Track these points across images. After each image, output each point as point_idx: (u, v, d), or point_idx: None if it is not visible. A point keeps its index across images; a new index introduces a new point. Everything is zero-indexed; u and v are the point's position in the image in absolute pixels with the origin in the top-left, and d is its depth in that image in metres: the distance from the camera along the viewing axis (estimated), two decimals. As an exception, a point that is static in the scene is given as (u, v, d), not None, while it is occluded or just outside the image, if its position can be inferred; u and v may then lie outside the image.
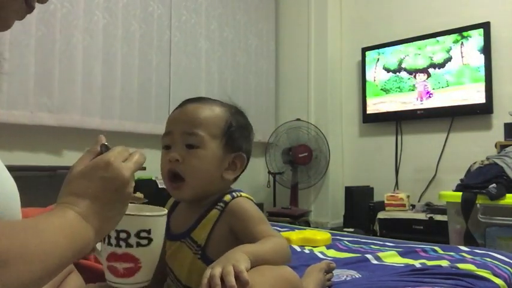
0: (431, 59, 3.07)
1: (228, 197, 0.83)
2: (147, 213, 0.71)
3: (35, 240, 0.47)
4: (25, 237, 0.46)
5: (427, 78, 3.10)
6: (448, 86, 2.99)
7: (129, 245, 0.69)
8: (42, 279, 0.47)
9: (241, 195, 0.85)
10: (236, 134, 0.86)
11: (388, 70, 3.31)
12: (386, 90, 3.34)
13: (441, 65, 3.02)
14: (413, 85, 3.15)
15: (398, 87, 3.26)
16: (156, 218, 0.72)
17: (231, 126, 0.85)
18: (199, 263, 0.81)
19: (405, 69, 3.22)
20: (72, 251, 0.51)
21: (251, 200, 0.85)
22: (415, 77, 3.16)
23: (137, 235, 0.69)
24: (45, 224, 0.50)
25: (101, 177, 0.57)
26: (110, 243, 0.70)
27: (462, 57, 2.93)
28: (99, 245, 0.72)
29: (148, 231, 0.70)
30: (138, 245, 0.69)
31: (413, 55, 3.16)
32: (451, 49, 2.98)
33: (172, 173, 0.82)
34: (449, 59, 2.99)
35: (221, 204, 0.83)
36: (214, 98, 0.93)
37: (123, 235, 0.69)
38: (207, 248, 0.81)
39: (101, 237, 0.57)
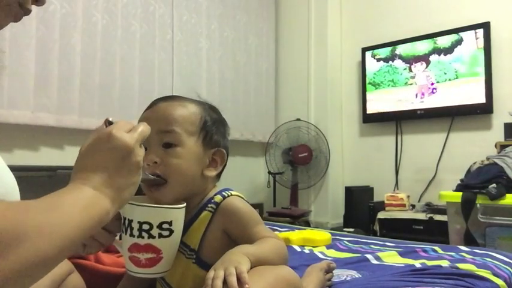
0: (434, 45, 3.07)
1: (218, 198, 0.81)
2: (169, 206, 0.73)
3: (52, 214, 0.48)
4: (41, 211, 0.48)
5: (426, 67, 3.07)
6: (449, 80, 2.98)
7: (151, 236, 0.71)
8: (62, 252, 0.48)
9: (231, 194, 0.82)
10: (212, 129, 0.83)
11: (378, 59, 3.28)
12: (376, 85, 3.33)
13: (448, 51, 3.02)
14: (411, 77, 3.12)
15: (392, 80, 3.25)
16: (177, 210, 0.74)
17: (206, 122, 0.83)
18: (194, 267, 0.80)
19: (400, 57, 3.19)
20: (90, 221, 0.52)
21: (242, 198, 0.83)
22: (410, 69, 3.15)
23: (159, 227, 0.71)
24: (60, 199, 0.52)
25: (106, 149, 0.59)
26: (132, 235, 0.71)
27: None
28: (119, 237, 0.75)
29: (170, 223, 0.72)
30: (160, 236, 0.71)
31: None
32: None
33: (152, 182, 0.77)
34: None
35: (212, 205, 0.81)
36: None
37: (145, 226, 0.71)
38: (201, 251, 0.80)
39: (118, 207, 0.59)
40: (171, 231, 0.73)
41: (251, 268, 0.68)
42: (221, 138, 0.85)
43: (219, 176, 0.86)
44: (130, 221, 0.71)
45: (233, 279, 0.61)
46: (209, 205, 0.81)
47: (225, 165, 0.86)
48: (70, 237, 0.49)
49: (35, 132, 2.35)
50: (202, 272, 0.78)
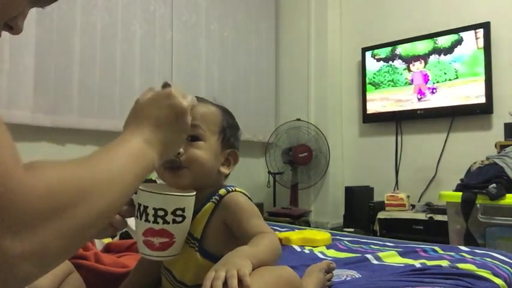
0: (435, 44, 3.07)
1: (223, 191, 0.85)
2: (182, 194, 0.78)
3: (110, 167, 0.53)
4: (100, 167, 0.52)
5: (426, 67, 3.07)
6: (449, 80, 2.99)
7: (166, 222, 0.76)
8: (121, 201, 0.54)
9: (235, 190, 0.87)
10: (229, 132, 0.90)
11: (378, 59, 3.29)
12: (376, 85, 3.33)
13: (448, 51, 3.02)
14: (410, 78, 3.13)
15: (392, 80, 3.25)
16: (189, 198, 0.79)
17: (224, 124, 0.89)
18: (196, 256, 0.82)
19: (400, 57, 3.20)
20: (141, 171, 0.58)
21: (245, 195, 0.87)
22: (409, 68, 3.15)
23: (173, 213, 0.76)
24: (114, 153, 0.56)
25: (165, 105, 0.65)
26: (147, 220, 0.76)
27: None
28: (132, 223, 0.80)
29: (183, 210, 0.77)
30: (174, 222, 0.76)
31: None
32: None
33: (173, 164, 0.83)
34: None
35: (216, 197, 0.85)
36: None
37: (160, 213, 0.76)
38: (204, 241, 0.83)
39: (161, 159, 0.64)
40: (184, 217, 0.78)
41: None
42: (235, 141, 0.92)
43: (228, 175, 0.92)
44: (146, 207, 0.76)
45: (234, 282, 0.61)
46: (214, 197, 0.85)
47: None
48: (125, 189, 0.54)
49: (34, 133, 2.35)
50: (204, 261, 0.82)
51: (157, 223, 0.76)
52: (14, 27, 0.57)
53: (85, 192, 0.47)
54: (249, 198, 0.87)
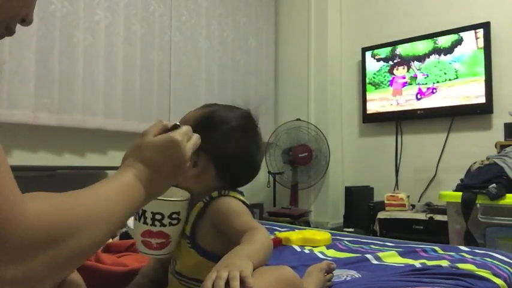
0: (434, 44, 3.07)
1: (215, 193, 0.86)
2: (178, 199, 0.83)
3: (101, 203, 0.55)
4: (92, 203, 0.54)
5: (426, 67, 3.08)
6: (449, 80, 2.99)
7: (162, 225, 0.82)
8: (110, 234, 0.56)
9: (228, 194, 0.86)
10: (207, 145, 0.85)
11: (378, 59, 3.29)
12: (376, 85, 3.33)
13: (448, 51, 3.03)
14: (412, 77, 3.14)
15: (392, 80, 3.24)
16: (184, 202, 0.84)
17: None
18: (191, 251, 0.85)
19: (400, 57, 3.21)
20: (130, 208, 0.60)
21: (239, 199, 0.87)
22: (408, 69, 3.15)
23: (170, 216, 0.82)
24: (108, 186, 0.59)
25: (169, 154, 0.66)
26: (145, 223, 0.82)
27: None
28: (131, 223, 0.85)
29: (178, 213, 0.83)
30: (170, 224, 0.82)
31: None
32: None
33: None
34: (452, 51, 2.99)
35: (207, 198, 0.86)
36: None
37: (158, 216, 0.81)
38: (196, 237, 0.85)
39: (148, 201, 0.66)
40: (179, 220, 0.83)
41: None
42: (214, 142, 0.86)
43: (226, 179, 0.89)
44: (144, 211, 0.81)
45: (236, 284, 0.60)
46: (205, 197, 0.86)
47: (226, 170, 0.88)
48: (116, 220, 0.56)
49: (35, 132, 2.35)
50: (198, 256, 0.84)
51: (155, 226, 0.81)
52: (26, 20, 0.59)
53: (78, 227, 0.50)
54: (243, 202, 0.86)
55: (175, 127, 0.70)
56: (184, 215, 0.85)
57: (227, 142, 0.88)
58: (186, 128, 0.70)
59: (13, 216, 0.42)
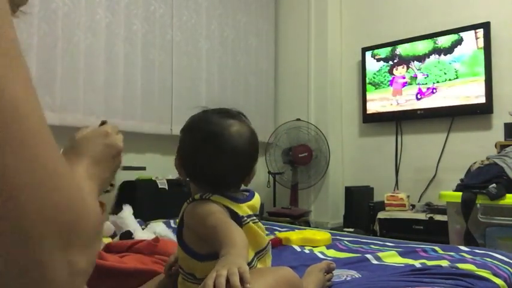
0: (434, 44, 3.07)
1: (197, 196, 0.87)
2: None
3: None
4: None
5: (426, 67, 3.08)
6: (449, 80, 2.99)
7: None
8: None
9: (208, 198, 0.85)
10: (186, 159, 0.93)
11: (378, 59, 3.29)
12: (376, 85, 3.33)
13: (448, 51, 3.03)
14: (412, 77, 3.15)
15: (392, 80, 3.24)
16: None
17: (182, 152, 0.94)
18: (179, 248, 0.88)
19: (400, 57, 3.21)
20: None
21: (217, 202, 0.84)
22: (407, 69, 3.15)
23: None
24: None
25: (102, 143, 0.66)
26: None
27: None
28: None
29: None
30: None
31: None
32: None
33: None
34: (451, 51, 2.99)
35: (190, 199, 0.88)
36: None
37: None
38: (182, 235, 0.88)
39: (99, 195, 0.64)
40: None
41: None
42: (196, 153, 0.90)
43: (205, 186, 0.89)
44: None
45: (236, 279, 0.62)
46: (189, 199, 0.89)
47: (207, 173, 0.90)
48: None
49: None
50: (185, 254, 0.85)
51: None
52: None
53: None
54: (224, 205, 0.84)
55: (103, 123, 0.74)
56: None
57: (191, 153, 0.91)
58: (113, 124, 0.73)
59: (86, 206, 0.42)
